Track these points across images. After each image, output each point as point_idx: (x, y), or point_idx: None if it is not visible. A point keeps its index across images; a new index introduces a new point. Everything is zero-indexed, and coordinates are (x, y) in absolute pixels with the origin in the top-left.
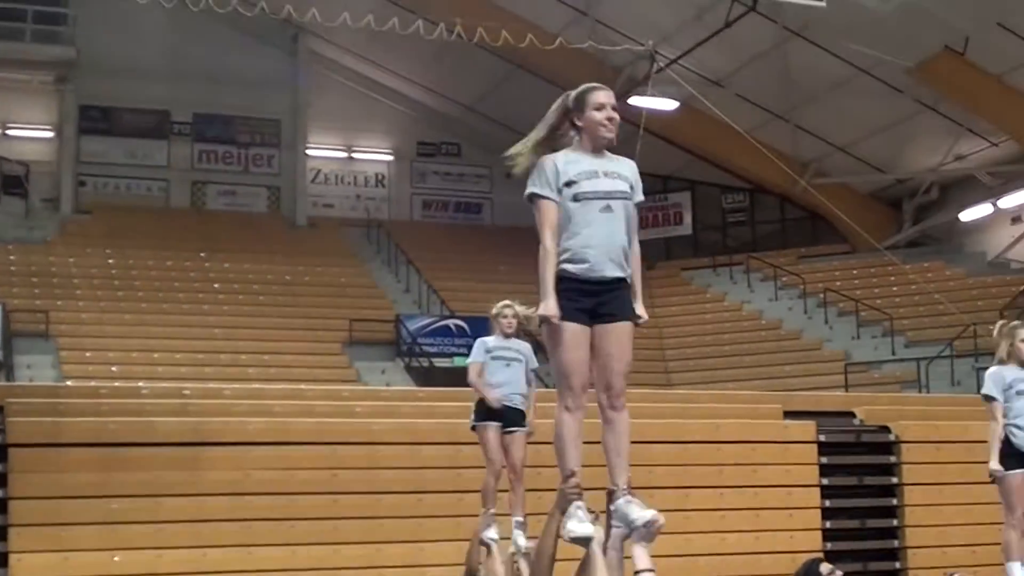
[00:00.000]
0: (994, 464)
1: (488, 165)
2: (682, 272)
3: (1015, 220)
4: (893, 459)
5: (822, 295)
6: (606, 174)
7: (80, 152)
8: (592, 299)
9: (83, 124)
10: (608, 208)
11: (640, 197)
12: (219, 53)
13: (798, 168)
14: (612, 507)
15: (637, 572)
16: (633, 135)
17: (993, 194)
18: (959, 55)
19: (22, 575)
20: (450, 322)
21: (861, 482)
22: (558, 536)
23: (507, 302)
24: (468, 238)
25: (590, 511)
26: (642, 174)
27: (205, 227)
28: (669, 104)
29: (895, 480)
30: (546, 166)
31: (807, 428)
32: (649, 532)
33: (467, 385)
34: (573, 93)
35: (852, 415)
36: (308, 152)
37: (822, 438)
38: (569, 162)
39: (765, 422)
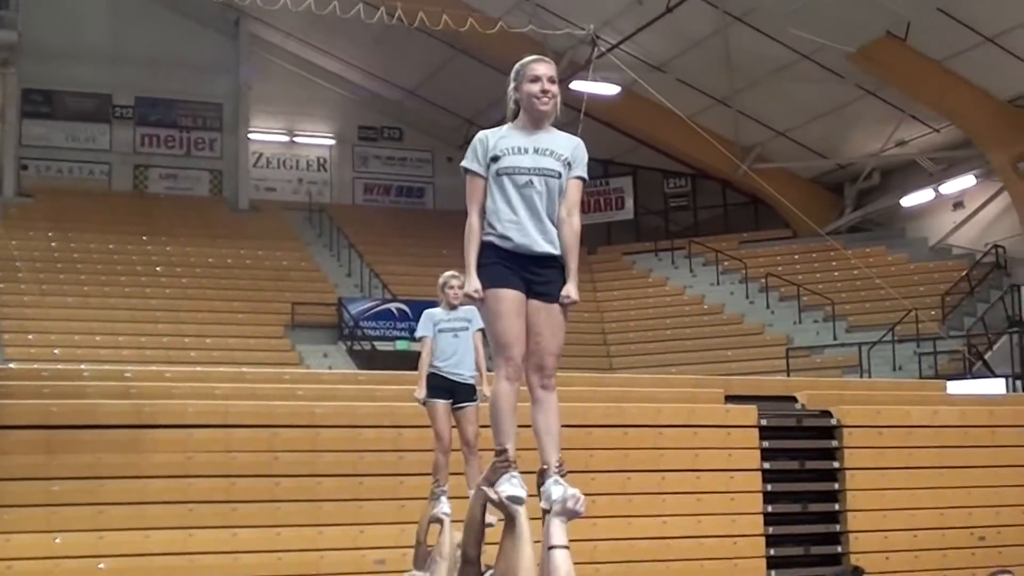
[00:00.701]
0: None
1: (430, 149)
2: (624, 256)
3: (956, 206)
4: (835, 443)
5: (764, 280)
6: (536, 150)
7: (22, 135)
8: (525, 272)
9: (25, 108)
10: (530, 184)
11: (579, 173)
12: (161, 37)
13: (740, 153)
14: (540, 488)
15: (550, 547)
16: (574, 120)
17: (934, 180)
18: (901, 40)
19: None
20: (392, 306)
21: (803, 466)
22: (485, 506)
23: (454, 272)
24: (410, 222)
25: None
26: None
27: (147, 211)
28: (611, 89)
29: (837, 464)
30: (479, 140)
31: (749, 412)
32: (567, 509)
33: (409, 369)
34: (515, 66)
35: (794, 400)
36: (250, 136)
37: (764, 422)
38: (502, 137)
39: (706, 406)
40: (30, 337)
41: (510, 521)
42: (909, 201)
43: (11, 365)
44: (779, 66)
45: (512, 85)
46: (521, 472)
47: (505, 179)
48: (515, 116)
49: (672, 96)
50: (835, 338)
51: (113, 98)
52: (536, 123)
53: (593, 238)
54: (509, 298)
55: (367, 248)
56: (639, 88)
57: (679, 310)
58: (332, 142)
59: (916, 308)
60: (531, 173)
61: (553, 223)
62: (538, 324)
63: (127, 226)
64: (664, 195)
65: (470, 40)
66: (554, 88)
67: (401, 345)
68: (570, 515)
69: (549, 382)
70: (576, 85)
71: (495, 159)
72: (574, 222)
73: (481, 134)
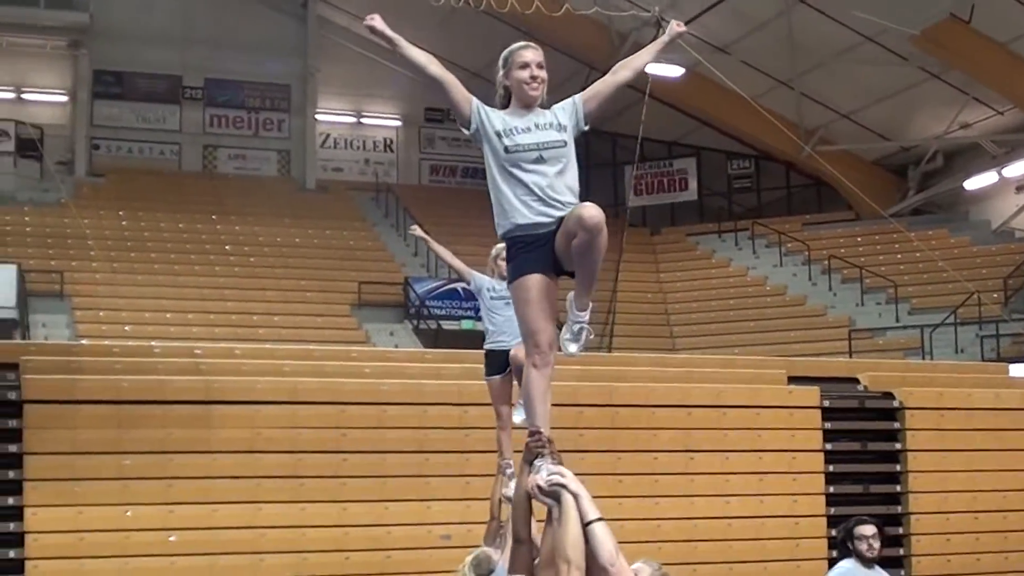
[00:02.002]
0: None
1: None
2: (687, 237)
3: (1020, 189)
4: (896, 425)
5: (826, 262)
6: (536, 126)
7: (94, 116)
8: (551, 250)
9: (97, 88)
10: (540, 159)
11: (579, 125)
12: (230, 19)
13: (803, 135)
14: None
15: (587, 524)
16: (639, 101)
17: (998, 163)
18: (965, 23)
19: (36, 528)
20: (458, 285)
21: (864, 447)
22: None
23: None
24: (475, 203)
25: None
26: (648, 140)
27: (216, 190)
28: (675, 70)
29: (898, 446)
30: (477, 103)
31: (811, 393)
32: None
33: (474, 348)
34: (504, 53)
35: (856, 381)
36: (318, 117)
37: (826, 404)
38: (504, 117)
39: (769, 387)
40: (101, 314)
41: (558, 503)
42: (972, 184)
43: (83, 342)
44: (843, 48)
45: (501, 72)
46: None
47: (515, 155)
48: (503, 103)
49: (736, 78)
50: (897, 320)
51: (183, 79)
52: (527, 107)
53: (657, 219)
54: (532, 285)
55: (433, 228)
56: (703, 70)
57: (742, 291)
58: (399, 123)
59: (978, 291)
60: (540, 148)
61: (566, 190)
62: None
63: (196, 205)
64: (728, 176)
65: (536, 22)
66: (542, 73)
67: (466, 324)
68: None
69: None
70: None
71: (499, 134)
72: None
73: (480, 103)
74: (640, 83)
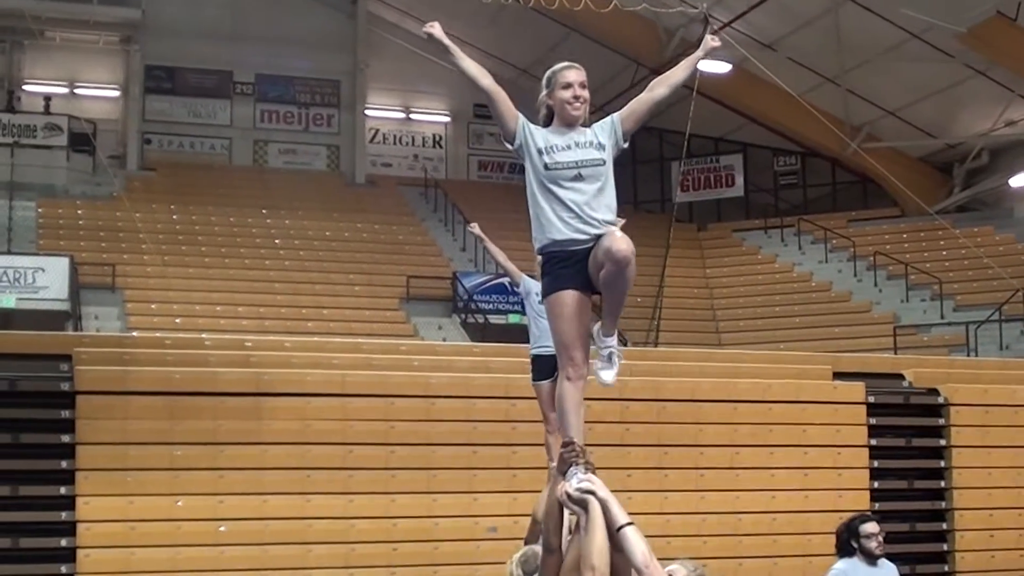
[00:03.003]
0: None
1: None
2: (733, 233)
3: None
4: (941, 421)
5: (872, 258)
6: (577, 144)
7: (145, 111)
8: (585, 265)
9: (148, 84)
10: (579, 176)
11: (612, 118)
12: (280, 15)
13: (849, 132)
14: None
15: (619, 528)
16: (686, 98)
17: None
18: (1011, 20)
19: (89, 517)
20: (505, 280)
21: (909, 444)
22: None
23: None
24: (522, 198)
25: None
26: (695, 136)
27: (266, 184)
28: (722, 67)
29: (943, 442)
30: (523, 120)
31: (856, 389)
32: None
33: (521, 342)
34: (547, 73)
35: (901, 377)
36: (367, 112)
37: (871, 399)
38: (544, 134)
39: (815, 383)
40: (152, 307)
41: (586, 511)
42: (1018, 181)
43: (134, 334)
44: (889, 46)
45: (544, 92)
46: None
47: (555, 172)
48: (545, 122)
49: (782, 74)
50: (942, 317)
51: (233, 75)
52: (568, 127)
53: (703, 214)
54: (567, 301)
55: (481, 223)
56: (750, 66)
57: (788, 287)
58: (447, 119)
59: (1023, 288)
60: (579, 167)
61: (604, 208)
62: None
63: (247, 199)
64: (774, 173)
65: (584, 19)
66: (585, 93)
67: (514, 319)
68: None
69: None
70: None
71: (541, 151)
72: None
73: (525, 120)
74: (688, 80)
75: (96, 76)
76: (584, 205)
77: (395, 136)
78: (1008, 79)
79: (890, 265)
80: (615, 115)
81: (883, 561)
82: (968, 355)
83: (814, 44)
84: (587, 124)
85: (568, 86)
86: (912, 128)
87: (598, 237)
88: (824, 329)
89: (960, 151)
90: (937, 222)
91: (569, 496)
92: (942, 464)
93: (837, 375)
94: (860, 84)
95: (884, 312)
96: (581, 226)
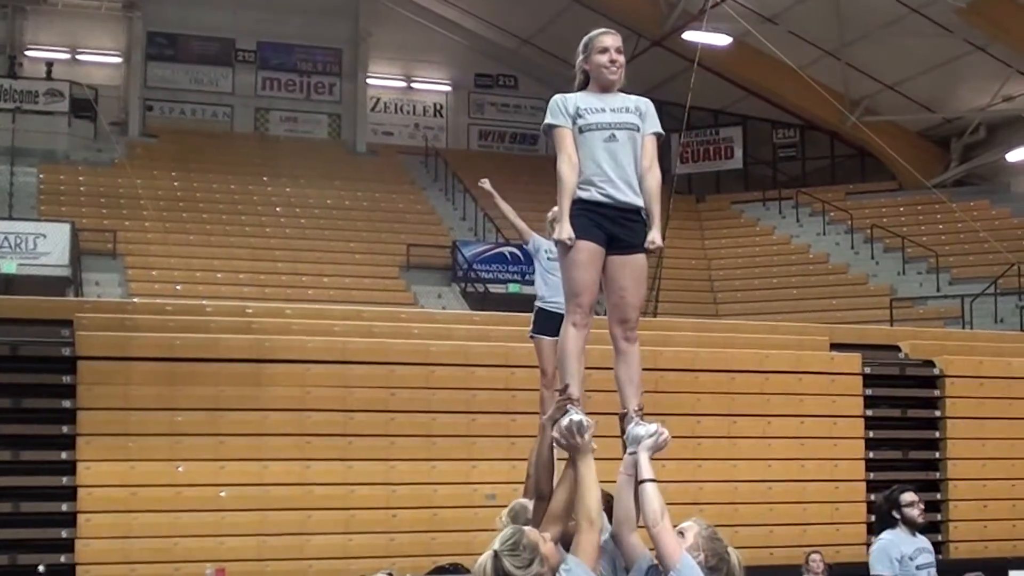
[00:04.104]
0: None
1: (544, 98)
2: (732, 205)
3: None
4: (936, 393)
5: (869, 231)
6: (612, 109)
7: (147, 77)
8: (609, 223)
9: (150, 50)
10: (612, 138)
11: (654, 129)
12: None
13: (848, 105)
14: (625, 434)
15: (641, 481)
16: (687, 70)
17: None
18: None
19: (90, 482)
20: (505, 249)
21: (905, 414)
22: (553, 445)
23: None
24: (523, 168)
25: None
26: (694, 108)
27: (268, 152)
28: (723, 39)
29: (938, 413)
30: (558, 99)
31: (853, 360)
32: (656, 443)
33: (520, 311)
34: (584, 39)
35: (897, 349)
36: (368, 81)
37: (867, 370)
38: (579, 99)
39: (812, 353)
40: (153, 273)
41: (572, 456)
42: (1014, 156)
43: (135, 300)
44: (889, 20)
45: (581, 57)
46: (590, 412)
47: (588, 135)
48: (581, 87)
49: (783, 47)
50: (938, 289)
51: (235, 42)
52: (605, 90)
53: (702, 186)
54: (587, 249)
55: (481, 193)
56: (751, 39)
57: (785, 259)
58: (448, 89)
59: (1019, 262)
60: (613, 128)
61: (636, 175)
62: (623, 279)
63: (248, 167)
64: (773, 145)
65: None
66: (621, 58)
67: (513, 288)
68: (657, 449)
69: (632, 334)
70: (689, 35)
71: (577, 116)
72: (656, 173)
73: (557, 96)
74: (688, 52)
75: (98, 42)
76: (617, 169)
77: (396, 105)
78: (1006, 55)
79: (887, 238)
80: (653, 109)
81: (918, 533)
82: (963, 328)
83: (814, 17)
84: (624, 90)
85: (605, 50)
86: (910, 102)
87: (631, 209)
88: (821, 301)
89: (958, 125)
90: (934, 196)
91: (562, 433)
92: (937, 435)
93: (834, 346)
94: (860, 58)
95: (881, 284)
96: (611, 191)
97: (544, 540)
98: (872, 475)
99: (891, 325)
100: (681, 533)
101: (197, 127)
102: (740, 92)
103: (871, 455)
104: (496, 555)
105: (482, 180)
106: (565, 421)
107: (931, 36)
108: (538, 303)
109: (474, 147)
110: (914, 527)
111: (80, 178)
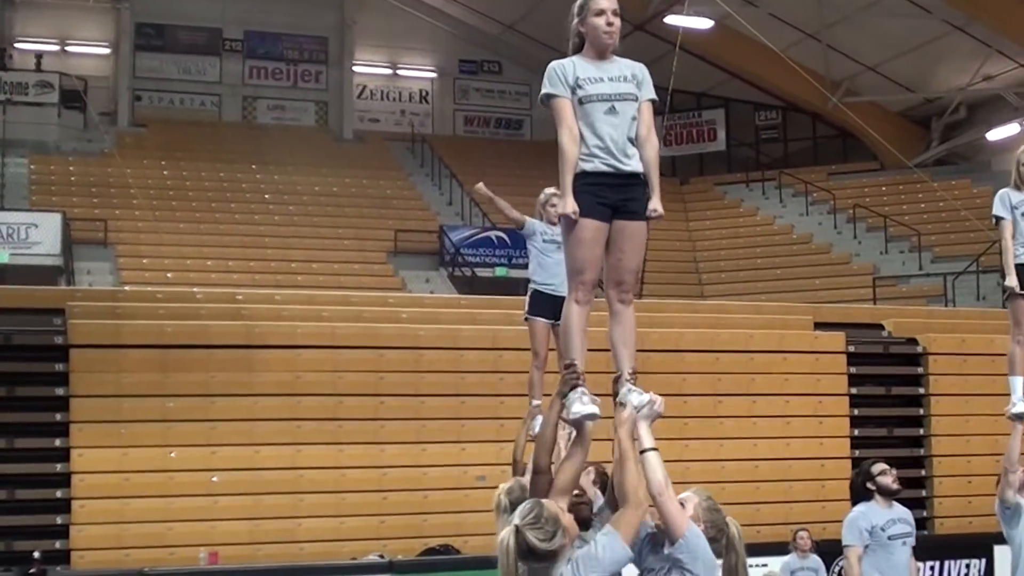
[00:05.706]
0: (1010, 281)
1: (528, 83)
2: (715, 187)
3: None
4: (920, 370)
5: (852, 211)
6: (610, 78)
7: (136, 68)
8: (612, 193)
9: (139, 41)
10: (612, 109)
11: (649, 96)
12: None
13: (830, 86)
14: (617, 396)
15: (643, 451)
16: (669, 53)
17: (1020, 114)
18: None
19: (83, 469)
20: (492, 233)
21: (889, 392)
22: (558, 422)
23: (554, 189)
24: (509, 153)
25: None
26: (677, 91)
27: (256, 140)
28: (704, 23)
29: (922, 391)
30: (555, 67)
31: (837, 339)
32: (651, 411)
33: (508, 294)
34: (578, 1)
35: (881, 327)
36: (354, 69)
37: (851, 349)
38: (576, 67)
39: (796, 333)
40: (144, 262)
41: (579, 434)
42: (995, 135)
43: (126, 288)
44: (869, 1)
45: (576, 20)
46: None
47: (589, 107)
48: (576, 50)
49: (764, 30)
50: (921, 268)
51: (223, 32)
52: (601, 54)
53: (685, 169)
54: (590, 227)
55: (467, 178)
56: (732, 22)
57: (769, 240)
58: (434, 75)
59: (1000, 239)
60: (612, 99)
61: (635, 144)
62: (621, 242)
63: (236, 155)
64: (755, 127)
65: None
66: (617, 20)
67: (500, 272)
68: (654, 417)
69: (627, 296)
70: (671, 19)
71: (576, 87)
72: (653, 141)
73: (555, 63)
74: (671, 35)
75: (87, 34)
76: (618, 139)
77: (382, 92)
78: (986, 35)
79: (869, 217)
80: (648, 75)
81: (896, 504)
82: (946, 305)
83: (795, 0)
84: (618, 53)
85: (601, 12)
86: (891, 83)
87: (633, 176)
88: (805, 280)
89: (938, 105)
90: (916, 175)
91: (574, 421)
92: (921, 412)
93: (818, 325)
94: (840, 39)
95: (864, 263)
96: (612, 161)
97: (563, 511)
98: (857, 452)
99: (874, 304)
100: (682, 504)
101: (186, 116)
102: (722, 75)
103: (856, 433)
104: (518, 529)
105: (477, 185)
106: (581, 413)
107: (911, 17)
108: (532, 285)
109: (460, 133)
110: (890, 495)
111: (70, 168)
